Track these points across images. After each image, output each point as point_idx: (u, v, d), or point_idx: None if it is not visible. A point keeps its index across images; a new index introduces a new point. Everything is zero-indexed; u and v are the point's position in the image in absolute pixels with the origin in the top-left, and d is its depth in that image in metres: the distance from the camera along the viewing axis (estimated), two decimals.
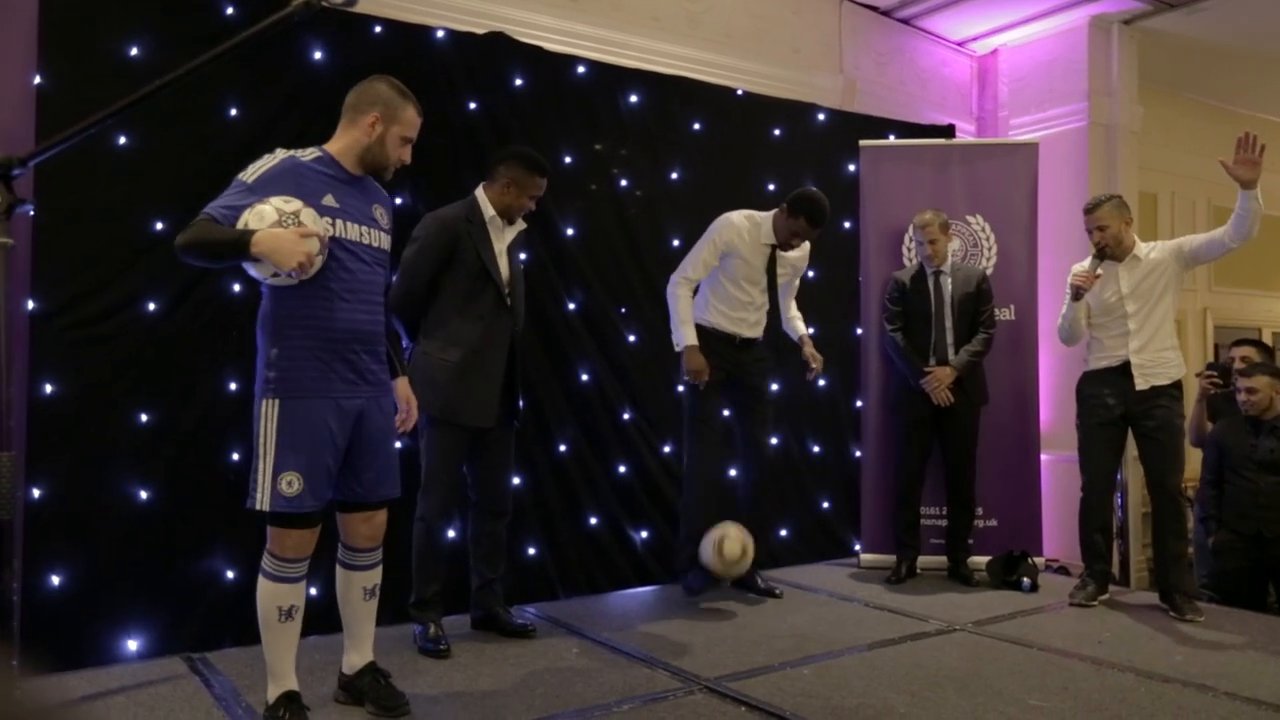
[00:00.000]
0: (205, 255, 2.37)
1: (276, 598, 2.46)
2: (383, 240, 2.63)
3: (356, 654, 2.72)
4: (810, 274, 5.08)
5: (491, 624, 3.48)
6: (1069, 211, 4.39)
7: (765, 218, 4.00)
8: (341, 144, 2.57)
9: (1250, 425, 4.26)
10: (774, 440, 4.83)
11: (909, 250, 4.85)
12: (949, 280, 4.40)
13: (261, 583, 2.48)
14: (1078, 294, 3.96)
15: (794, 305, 4.29)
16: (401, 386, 2.81)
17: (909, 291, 4.45)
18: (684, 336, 3.94)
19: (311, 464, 2.43)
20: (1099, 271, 3.94)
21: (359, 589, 2.68)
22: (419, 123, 2.64)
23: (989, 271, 4.69)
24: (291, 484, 2.40)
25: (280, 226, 2.30)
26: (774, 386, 4.36)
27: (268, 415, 2.42)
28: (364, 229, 2.55)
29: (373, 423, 2.57)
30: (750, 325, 4.05)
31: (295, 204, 2.36)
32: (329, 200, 2.47)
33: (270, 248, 2.25)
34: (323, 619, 3.19)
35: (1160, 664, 3.18)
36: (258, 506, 2.42)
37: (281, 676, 2.50)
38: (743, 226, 3.97)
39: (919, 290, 4.43)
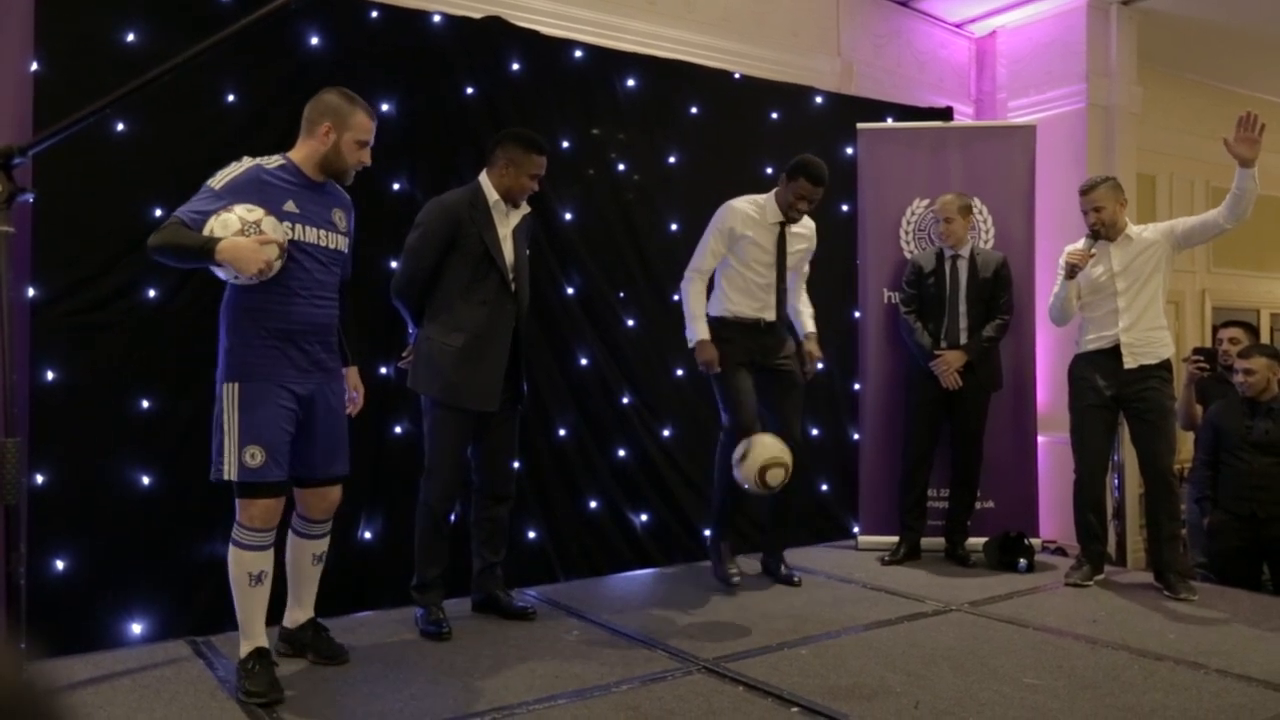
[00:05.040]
0: (174, 257, 2.60)
1: (246, 564, 2.70)
2: (340, 242, 2.86)
3: (300, 610, 2.99)
4: None
5: (492, 607, 3.51)
6: (1067, 194, 4.40)
7: (767, 198, 3.97)
8: (302, 153, 2.78)
9: (1247, 406, 4.27)
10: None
11: (906, 233, 4.86)
12: (965, 264, 4.41)
13: (232, 550, 2.72)
14: (1072, 272, 3.99)
15: (805, 296, 4.21)
16: (351, 375, 3.05)
17: (925, 274, 4.46)
18: (695, 332, 3.89)
19: (271, 438, 2.66)
20: (1093, 251, 3.97)
21: (309, 555, 2.94)
22: (371, 125, 2.83)
23: None
24: (255, 456, 2.63)
25: (243, 234, 2.52)
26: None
27: (229, 397, 2.66)
28: (321, 232, 2.78)
29: (323, 405, 2.82)
30: (770, 307, 3.98)
31: (258, 213, 2.58)
32: (290, 206, 2.69)
33: (231, 256, 2.48)
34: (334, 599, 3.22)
35: (1153, 642, 3.22)
36: (225, 477, 2.66)
37: (253, 635, 2.72)
38: (746, 209, 3.95)
39: (936, 273, 4.44)
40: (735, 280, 3.98)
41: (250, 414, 2.64)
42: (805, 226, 4.07)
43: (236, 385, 2.66)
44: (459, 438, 3.34)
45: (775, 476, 3.45)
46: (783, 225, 3.95)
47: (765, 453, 3.46)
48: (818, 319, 4.35)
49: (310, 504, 2.90)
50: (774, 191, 3.97)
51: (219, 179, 2.64)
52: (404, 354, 3.48)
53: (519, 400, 3.49)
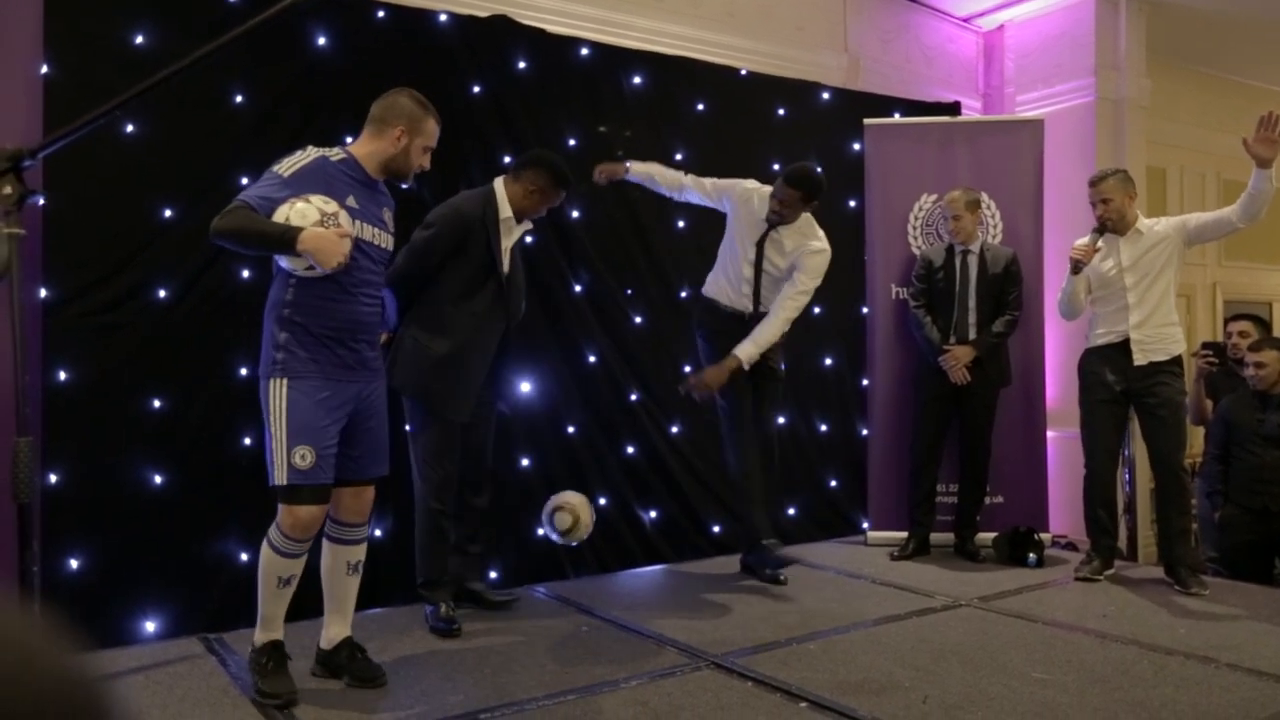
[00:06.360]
0: (243, 242, 2.54)
1: (278, 569, 2.64)
2: (389, 242, 2.83)
3: (336, 627, 2.85)
4: None
5: (471, 598, 3.51)
6: (1076, 188, 4.37)
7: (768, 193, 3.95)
8: (366, 150, 2.75)
9: (1258, 400, 4.25)
10: (780, 420, 4.83)
11: (914, 229, 4.85)
12: (975, 260, 4.40)
13: (266, 552, 2.65)
14: (1077, 267, 3.98)
15: (777, 317, 3.87)
16: None
17: (935, 269, 4.46)
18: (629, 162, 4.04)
19: (320, 439, 2.60)
20: (1099, 245, 3.95)
21: (344, 563, 2.81)
22: (438, 132, 2.84)
23: None
24: (305, 457, 2.56)
25: (322, 226, 2.46)
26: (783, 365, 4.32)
27: (277, 394, 2.58)
28: (376, 230, 2.75)
29: (368, 405, 2.75)
30: (749, 299, 3.98)
31: (333, 205, 2.53)
32: (351, 201, 2.65)
33: (315, 246, 2.42)
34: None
35: (1163, 636, 3.21)
36: (274, 482, 2.59)
37: (271, 628, 2.70)
38: (751, 191, 3.96)
39: (945, 268, 4.43)
40: (724, 257, 4.03)
41: (299, 412, 2.57)
42: (797, 248, 3.88)
43: (285, 381, 2.58)
44: (444, 438, 3.33)
45: (562, 520, 3.22)
46: (768, 228, 3.92)
47: (562, 500, 3.28)
48: (826, 314, 4.33)
49: (346, 505, 2.77)
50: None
51: (286, 166, 2.58)
52: (383, 336, 3.43)
53: (498, 397, 3.50)
